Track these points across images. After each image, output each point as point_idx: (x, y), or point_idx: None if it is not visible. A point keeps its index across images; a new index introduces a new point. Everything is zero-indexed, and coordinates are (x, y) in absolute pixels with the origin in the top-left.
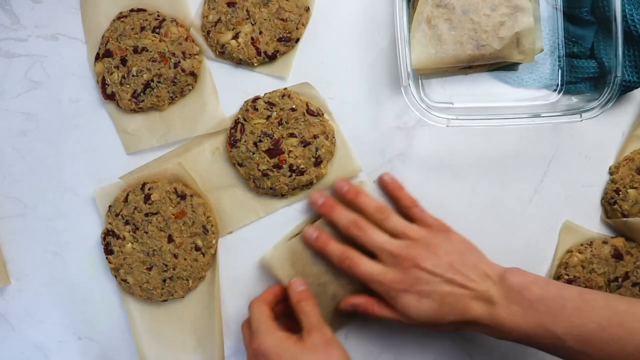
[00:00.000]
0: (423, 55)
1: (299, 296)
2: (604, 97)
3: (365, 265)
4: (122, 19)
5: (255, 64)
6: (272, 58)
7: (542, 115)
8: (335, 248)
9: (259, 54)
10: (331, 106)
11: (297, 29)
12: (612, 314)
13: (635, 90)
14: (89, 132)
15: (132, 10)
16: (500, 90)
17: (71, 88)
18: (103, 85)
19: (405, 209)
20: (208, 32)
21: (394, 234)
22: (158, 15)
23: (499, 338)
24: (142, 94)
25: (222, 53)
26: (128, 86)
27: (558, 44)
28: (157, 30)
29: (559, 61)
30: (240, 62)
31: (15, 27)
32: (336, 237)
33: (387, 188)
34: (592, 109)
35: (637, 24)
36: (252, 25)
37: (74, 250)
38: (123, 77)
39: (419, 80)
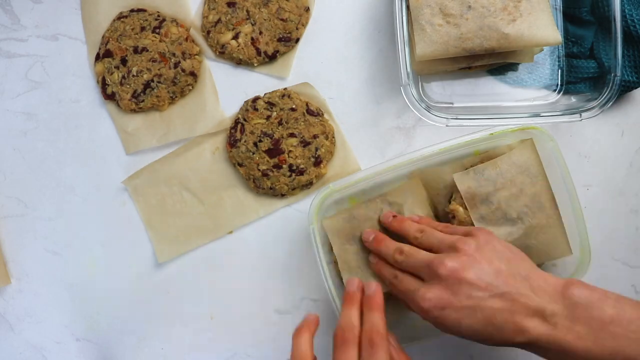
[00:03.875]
0: (427, 39)
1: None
2: (604, 97)
3: (408, 283)
4: (122, 19)
5: (255, 64)
6: (272, 58)
7: (541, 115)
8: (386, 269)
9: (259, 54)
10: (331, 106)
11: (297, 29)
12: None
13: (634, 90)
14: (89, 132)
15: (132, 11)
16: (500, 90)
17: (71, 88)
18: (103, 85)
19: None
20: (208, 32)
21: (435, 250)
22: (158, 16)
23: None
24: (142, 94)
25: (222, 53)
26: (128, 86)
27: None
28: (157, 30)
29: (559, 61)
30: (240, 62)
31: (15, 27)
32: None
33: (392, 228)
34: (591, 108)
35: (636, 24)
36: (252, 25)
37: (74, 251)
38: (123, 77)
39: (419, 80)
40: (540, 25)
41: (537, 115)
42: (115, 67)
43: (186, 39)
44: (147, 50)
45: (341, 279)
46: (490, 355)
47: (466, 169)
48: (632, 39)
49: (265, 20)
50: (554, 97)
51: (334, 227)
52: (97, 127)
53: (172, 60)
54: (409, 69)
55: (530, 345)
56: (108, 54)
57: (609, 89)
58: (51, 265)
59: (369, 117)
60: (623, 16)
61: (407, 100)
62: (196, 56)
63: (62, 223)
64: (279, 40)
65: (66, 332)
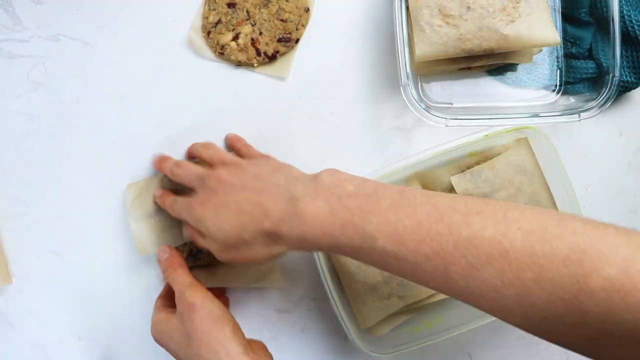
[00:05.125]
0: (427, 40)
1: (165, 265)
2: (602, 97)
3: (178, 201)
4: None
5: (255, 65)
6: (272, 59)
7: (540, 115)
8: (168, 198)
9: (258, 54)
10: (331, 106)
11: (297, 29)
12: (432, 209)
13: (633, 91)
14: (90, 132)
15: None
16: (499, 90)
17: (72, 88)
18: None
19: (234, 149)
20: (208, 33)
21: (213, 164)
22: None
23: (307, 249)
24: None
25: (222, 54)
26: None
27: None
28: None
29: (558, 62)
30: (240, 64)
31: (17, 28)
32: None
33: (229, 143)
34: (590, 109)
35: (634, 25)
36: (252, 26)
37: (75, 250)
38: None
39: (418, 81)
40: (539, 26)
41: (536, 115)
42: None
43: None
44: None
45: (340, 280)
46: (490, 355)
47: (463, 170)
48: (630, 39)
49: (265, 20)
50: (552, 97)
51: None
52: (98, 127)
53: None
54: (408, 70)
55: (277, 234)
56: None
57: (608, 89)
58: (52, 264)
59: (369, 117)
60: (621, 17)
61: (406, 101)
62: None
63: (63, 223)
64: (279, 40)
65: (68, 331)
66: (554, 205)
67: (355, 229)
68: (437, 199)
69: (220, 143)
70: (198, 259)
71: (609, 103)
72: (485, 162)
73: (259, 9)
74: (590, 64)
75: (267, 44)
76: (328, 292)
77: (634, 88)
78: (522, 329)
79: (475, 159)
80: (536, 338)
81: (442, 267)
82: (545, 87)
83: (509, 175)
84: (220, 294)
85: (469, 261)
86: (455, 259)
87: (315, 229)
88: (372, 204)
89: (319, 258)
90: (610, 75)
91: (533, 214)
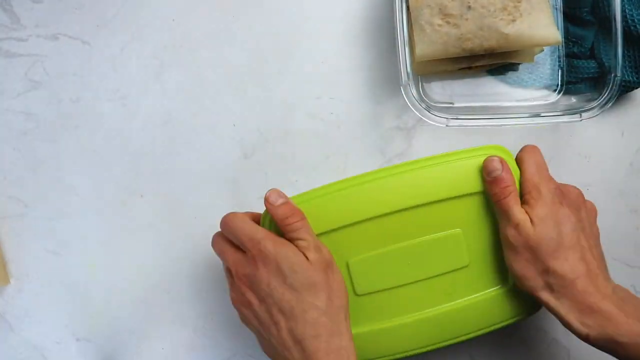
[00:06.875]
0: (428, 40)
1: (284, 211)
2: (604, 97)
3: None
4: None
5: None
6: None
7: (541, 115)
8: None
9: None
10: (331, 106)
11: None
12: None
13: (634, 91)
14: (89, 132)
15: None
16: (500, 90)
17: (71, 88)
18: None
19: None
20: None
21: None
22: None
23: None
24: None
25: None
26: None
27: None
28: None
29: (559, 61)
30: None
31: (15, 26)
32: None
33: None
34: (591, 109)
35: (637, 24)
36: None
37: (73, 250)
38: None
39: (419, 80)
40: (540, 25)
41: (537, 115)
42: None
43: None
44: None
45: None
46: (491, 355)
47: None
48: (632, 39)
49: None
50: (554, 97)
51: None
52: (97, 126)
53: None
54: (409, 69)
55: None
56: None
57: (609, 89)
58: (51, 265)
59: (369, 117)
60: (623, 16)
61: (407, 100)
62: None
63: (62, 223)
64: None
65: (66, 332)
66: None
67: None
68: None
69: (222, 144)
70: None
71: (611, 103)
72: None
73: None
74: (592, 64)
75: None
76: None
77: (636, 88)
78: None
79: None
80: (537, 340)
81: None
82: (547, 87)
83: None
84: None
85: None
86: None
87: (624, 328)
88: None
89: None
90: (612, 74)
91: None
